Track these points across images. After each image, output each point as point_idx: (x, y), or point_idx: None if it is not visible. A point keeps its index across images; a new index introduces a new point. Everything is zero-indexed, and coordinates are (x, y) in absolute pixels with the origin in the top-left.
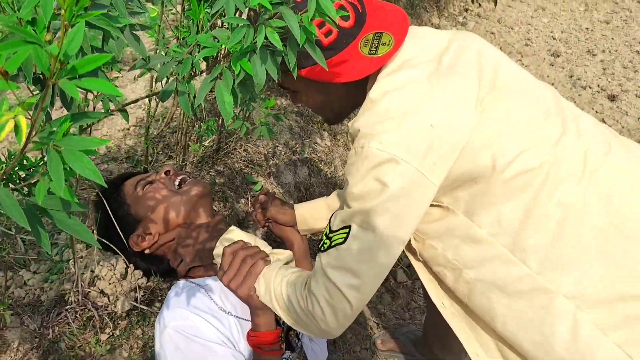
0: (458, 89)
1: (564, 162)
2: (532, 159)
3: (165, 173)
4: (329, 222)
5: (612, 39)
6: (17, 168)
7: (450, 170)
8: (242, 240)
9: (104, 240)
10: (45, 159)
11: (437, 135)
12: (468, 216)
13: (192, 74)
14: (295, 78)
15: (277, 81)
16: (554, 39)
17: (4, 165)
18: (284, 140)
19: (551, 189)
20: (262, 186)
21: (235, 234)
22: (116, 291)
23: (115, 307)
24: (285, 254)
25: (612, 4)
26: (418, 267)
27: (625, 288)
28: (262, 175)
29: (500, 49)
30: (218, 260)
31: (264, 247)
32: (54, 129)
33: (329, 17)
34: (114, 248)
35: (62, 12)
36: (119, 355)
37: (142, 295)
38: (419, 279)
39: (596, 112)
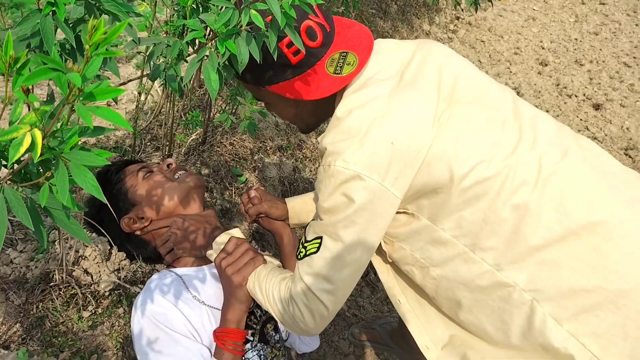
0: (418, 104)
1: (518, 170)
2: (488, 169)
3: (168, 165)
4: (304, 232)
5: (600, 50)
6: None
7: (412, 183)
8: (244, 239)
9: (93, 222)
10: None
11: (398, 152)
12: (432, 221)
13: (181, 56)
14: (266, 91)
15: (253, 96)
16: (543, 48)
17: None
18: (270, 135)
19: (506, 196)
20: (246, 179)
21: (238, 232)
22: (99, 271)
23: (98, 286)
24: (276, 262)
25: (602, 16)
26: (379, 267)
27: (578, 283)
28: (247, 168)
29: (490, 57)
30: (217, 248)
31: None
32: (64, 137)
33: (299, 38)
34: (101, 229)
35: (86, 47)
36: (100, 332)
37: (124, 276)
38: None
39: (581, 119)
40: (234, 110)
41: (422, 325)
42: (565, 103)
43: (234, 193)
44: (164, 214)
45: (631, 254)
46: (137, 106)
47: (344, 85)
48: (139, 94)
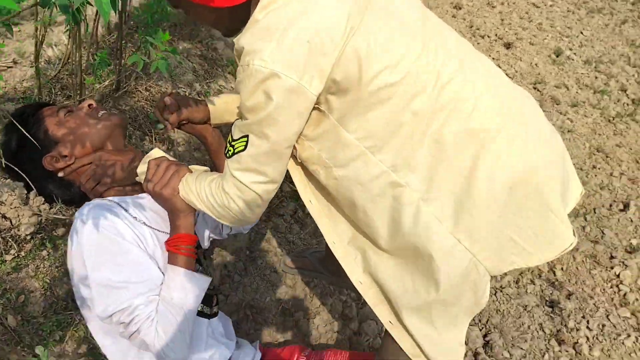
0: (333, 6)
1: (420, 78)
2: (392, 75)
3: (89, 105)
4: (231, 132)
5: None
6: None
7: (326, 81)
8: (165, 156)
9: (10, 165)
10: None
11: (314, 51)
12: (339, 121)
13: None
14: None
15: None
16: None
17: None
18: (188, 81)
19: (407, 100)
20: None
21: (157, 152)
22: (18, 215)
23: (18, 230)
24: (203, 168)
25: None
26: (292, 170)
27: (459, 187)
28: None
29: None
30: (142, 177)
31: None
32: None
33: None
34: (20, 173)
35: None
36: (25, 274)
37: (45, 220)
38: None
39: (493, 58)
40: (147, 53)
41: (330, 223)
42: (478, 43)
43: (154, 139)
44: (87, 151)
45: (503, 161)
46: (36, 43)
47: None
48: (36, 29)
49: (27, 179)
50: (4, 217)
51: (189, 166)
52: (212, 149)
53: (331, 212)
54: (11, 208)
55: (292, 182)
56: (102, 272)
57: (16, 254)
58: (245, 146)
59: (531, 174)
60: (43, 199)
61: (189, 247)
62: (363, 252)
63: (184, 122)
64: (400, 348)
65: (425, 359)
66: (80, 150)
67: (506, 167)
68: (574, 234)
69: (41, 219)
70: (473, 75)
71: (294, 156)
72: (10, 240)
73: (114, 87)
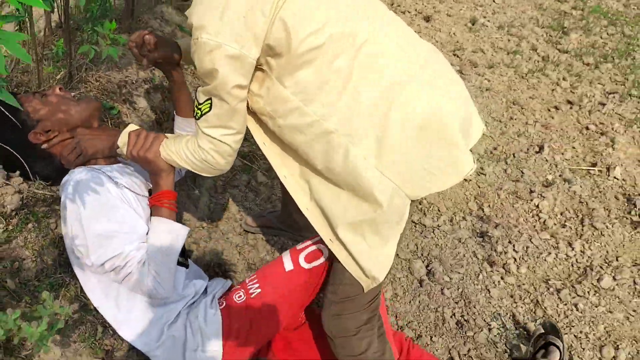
0: None
1: (340, 40)
2: (318, 39)
3: (60, 89)
4: (196, 97)
5: None
6: None
7: (262, 47)
8: (140, 128)
9: None
10: None
11: (250, 24)
12: (278, 79)
13: None
14: None
15: None
16: None
17: None
18: (134, 70)
19: (330, 60)
20: (118, 111)
21: (133, 126)
22: (2, 194)
23: (4, 207)
24: (175, 135)
25: None
26: (249, 120)
27: (378, 130)
28: (118, 101)
29: None
30: (123, 148)
31: None
32: None
33: None
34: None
35: None
36: (16, 245)
37: (26, 197)
38: (276, 178)
39: (415, 31)
40: (95, 42)
41: (280, 160)
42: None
43: (110, 124)
44: (67, 127)
45: (413, 107)
46: None
47: None
48: None
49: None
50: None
51: (164, 134)
52: (176, 86)
53: (281, 151)
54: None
55: (242, 157)
56: (96, 225)
57: (5, 228)
58: (210, 107)
59: (437, 116)
60: (22, 179)
61: (171, 201)
62: (309, 182)
63: (160, 60)
64: (344, 268)
65: (359, 269)
66: (61, 126)
67: (416, 111)
68: (474, 162)
69: (23, 196)
70: (385, 37)
71: (247, 107)
72: None
73: (66, 78)
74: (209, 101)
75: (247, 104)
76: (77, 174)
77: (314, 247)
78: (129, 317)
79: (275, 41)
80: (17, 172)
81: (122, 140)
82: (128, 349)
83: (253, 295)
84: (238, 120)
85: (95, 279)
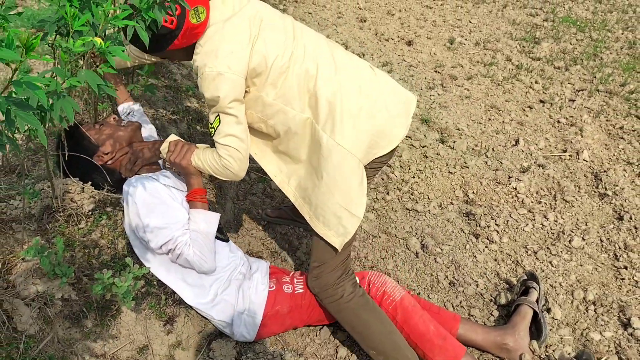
0: (240, 30)
1: (297, 58)
2: (284, 58)
3: (114, 118)
4: (208, 120)
5: (406, 0)
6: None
7: (247, 70)
8: (179, 139)
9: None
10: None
11: (236, 56)
12: (260, 92)
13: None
14: (167, 51)
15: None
16: (360, 8)
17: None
18: (162, 106)
19: (292, 71)
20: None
21: (173, 136)
22: (81, 199)
23: (82, 209)
24: (204, 146)
25: None
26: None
27: (332, 113)
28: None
29: (318, 24)
30: (164, 153)
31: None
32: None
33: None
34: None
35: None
36: (94, 236)
37: (97, 200)
38: None
39: (398, 55)
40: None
41: (269, 164)
42: (385, 46)
43: None
44: (122, 146)
45: (355, 97)
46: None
47: (205, 25)
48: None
49: (83, 175)
50: (71, 200)
51: (197, 145)
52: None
53: (269, 157)
54: (75, 194)
55: (257, 170)
56: (151, 219)
57: (86, 223)
58: (219, 122)
59: (375, 101)
60: (93, 188)
61: (203, 196)
62: (291, 176)
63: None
64: (321, 238)
65: (334, 234)
66: (117, 147)
67: (357, 101)
68: (405, 128)
69: (95, 200)
70: (324, 55)
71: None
72: (80, 214)
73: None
74: (217, 117)
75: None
76: (133, 181)
77: None
78: (188, 286)
79: (256, 64)
80: (89, 183)
81: (164, 147)
82: (186, 313)
83: (297, 292)
84: (241, 128)
85: (157, 260)
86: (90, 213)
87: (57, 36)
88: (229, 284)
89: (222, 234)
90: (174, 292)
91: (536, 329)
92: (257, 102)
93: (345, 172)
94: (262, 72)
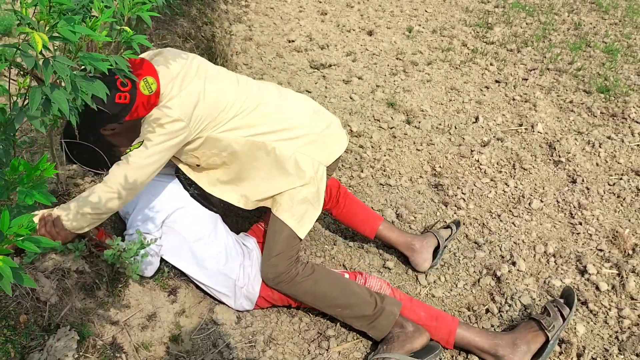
0: (191, 88)
1: (240, 98)
2: (230, 99)
3: None
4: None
5: None
6: None
7: (199, 122)
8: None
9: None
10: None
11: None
12: (212, 133)
13: None
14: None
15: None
16: (320, 2)
17: None
18: None
19: (241, 110)
20: None
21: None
22: (83, 182)
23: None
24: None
25: None
26: (200, 177)
27: (285, 134)
28: None
29: (281, 18)
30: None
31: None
32: None
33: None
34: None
35: None
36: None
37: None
38: None
39: (361, 45)
40: None
41: (228, 194)
42: (347, 37)
43: None
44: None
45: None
46: None
47: (159, 95)
48: None
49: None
50: (75, 184)
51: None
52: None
53: (226, 187)
54: (78, 179)
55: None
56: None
57: None
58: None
59: (315, 126)
60: (94, 174)
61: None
62: (243, 195)
63: None
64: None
65: (295, 223)
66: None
67: (299, 127)
68: (347, 135)
69: (96, 183)
70: (265, 94)
71: (197, 165)
72: None
73: None
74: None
75: (197, 167)
76: None
77: None
78: (190, 262)
79: (209, 116)
80: (90, 167)
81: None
82: (186, 285)
83: None
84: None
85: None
86: None
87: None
88: (227, 260)
89: (212, 204)
90: (174, 266)
91: (434, 256)
92: (206, 142)
93: (308, 173)
94: (212, 121)
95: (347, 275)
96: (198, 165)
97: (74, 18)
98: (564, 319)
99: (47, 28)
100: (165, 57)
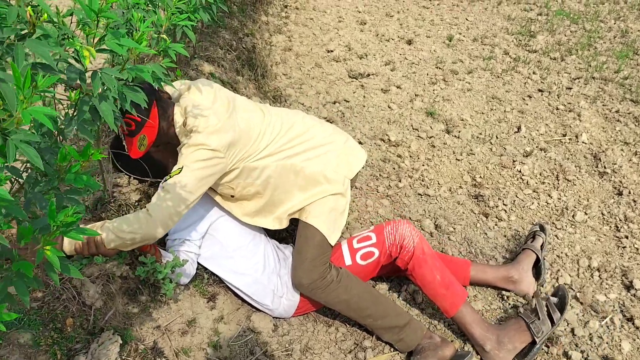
0: (225, 120)
1: (269, 126)
2: (264, 138)
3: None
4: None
5: (403, 2)
6: None
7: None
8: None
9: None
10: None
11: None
12: (247, 163)
13: None
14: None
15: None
16: (360, 12)
17: None
18: None
19: (275, 135)
20: None
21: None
22: (128, 191)
23: (130, 200)
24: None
25: None
26: (234, 208)
27: (312, 158)
28: None
29: (320, 29)
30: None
31: None
32: None
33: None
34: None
35: None
36: None
37: (143, 191)
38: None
39: (399, 54)
40: None
41: (258, 222)
42: (386, 46)
43: None
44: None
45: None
46: None
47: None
48: None
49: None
50: (120, 192)
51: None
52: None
53: (259, 215)
54: (123, 188)
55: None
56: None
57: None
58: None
59: (336, 144)
60: (138, 182)
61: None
62: (289, 212)
63: None
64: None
65: (326, 229)
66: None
67: (322, 144)
68: (365, 151)
69: (141, 191)
70: (288, 120)
71: (231, 196)
72: (128, 204)
73: None
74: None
75: (232, 197)
76: None
77: (368, 248)
78: (229, 270)
79: (243, 145)
80: (131, 177)
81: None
82: (225, 292)
83: None
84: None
85: (203, 248)
86: (137, 203)
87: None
88: (265, 269)
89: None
90: (214, 273)
91: (536, 273)
92: (241, 172)
93: (335, 185)
94: (248, 149)
95: (376, 252)
96: (232, 196)
97: (120, 32)
98: (553, 324)
99: (95, 42)
100: (199, 88)
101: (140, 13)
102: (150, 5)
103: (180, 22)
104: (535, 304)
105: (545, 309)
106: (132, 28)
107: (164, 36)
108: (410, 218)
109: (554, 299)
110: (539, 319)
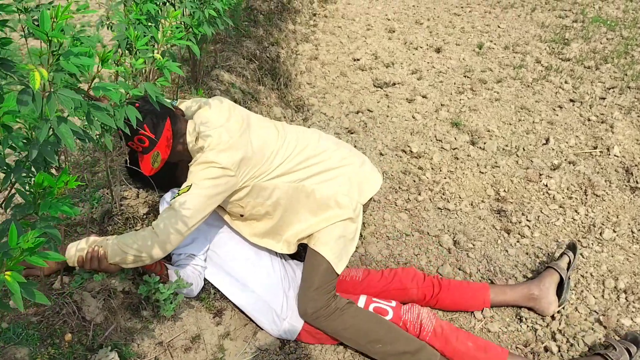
0: (237, 137)
1: (283, 144)
2: (277, 144)
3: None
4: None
5: (434, 9)
6: None
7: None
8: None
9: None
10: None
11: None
12: (260, 180)
13: None
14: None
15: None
16: (389, 19)
17: None
18: None
19: (288, 155)
20: None
21: (71, 253)
22: (136, 204)
23: (138, 212)
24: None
25: None
26: (243, 228)
27: (324, 178)
28: None
29: (348, 37)
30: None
31: None
32: None
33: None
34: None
35: None
36: None
37: (150, 205)
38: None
39: (427, 62)
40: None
41: (267, 244)
42: (413, 54)
43: None
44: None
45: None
46: None
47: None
48: None
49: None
50: (128, 205)
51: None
52: None
53: (268, 237)
54: (131, 200)
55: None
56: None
57: (142, 224)
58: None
59: (351, 167)
60: (146, 194)
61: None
62: (299, 237)
63: None
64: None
65: (334, 257)
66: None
67: (336, 167)
68: (381, 175)
69: (149, 204)
70: (303, 140)
71: (240, 215)
72: (136, 217)
73: None
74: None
75: (242, 215)
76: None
77: (384, 306)
78: (231, 284)
79: (254, 163)
80: (141, 189)
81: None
82: (232, 307)
83: None
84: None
85: (208, 262)
86: (144, 216)
87: (122, 54)
88: (269, 288)
89: None
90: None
91: (558, 293)
92: (252, 191)
93: (348, 210)
94: (260, 167)
95: (391, 312)
96: (242, 216)
97: (73, 50)
98: (630, 356)
99: (50, 63)
100: (212, 106)
101: (140, 30)
102: (151, 21)
103: (176, 41)
104: (610, 341)
105: (622, 344)
106: (131, 46)
107: (158, 55)
108: (428, 233)
109: (627, 340)
110: (615, 349)
